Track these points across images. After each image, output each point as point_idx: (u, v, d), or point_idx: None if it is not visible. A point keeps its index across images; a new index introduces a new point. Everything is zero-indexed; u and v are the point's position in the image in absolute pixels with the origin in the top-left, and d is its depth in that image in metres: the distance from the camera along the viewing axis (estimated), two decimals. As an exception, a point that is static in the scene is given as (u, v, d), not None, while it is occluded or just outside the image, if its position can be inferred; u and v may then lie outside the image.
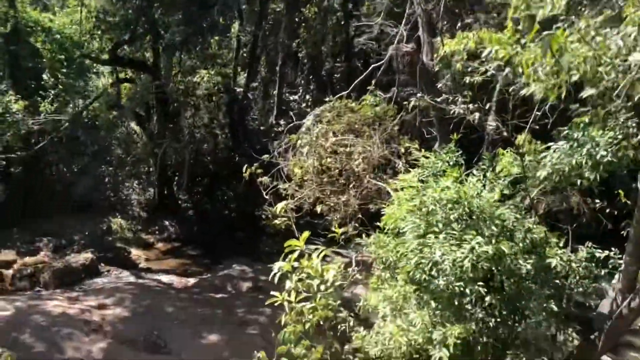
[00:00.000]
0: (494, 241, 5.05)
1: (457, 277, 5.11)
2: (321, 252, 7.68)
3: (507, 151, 6.33)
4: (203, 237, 19.65)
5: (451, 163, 6.34)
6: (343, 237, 7.85)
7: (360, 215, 8.04)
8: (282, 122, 19.91)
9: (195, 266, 17.85)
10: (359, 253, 7.74)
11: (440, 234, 5.22)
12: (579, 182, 5.17)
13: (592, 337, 5.66)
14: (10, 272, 15.44)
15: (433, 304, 5.19)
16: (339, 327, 7.24)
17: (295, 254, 7.70)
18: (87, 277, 15.35)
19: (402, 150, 7.82)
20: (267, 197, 9.30)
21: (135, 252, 17.97)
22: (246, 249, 18.79)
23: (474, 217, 5.42)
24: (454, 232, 5.29)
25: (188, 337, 11.68)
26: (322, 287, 7.44)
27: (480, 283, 5.04)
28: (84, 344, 11.01)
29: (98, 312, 12.61)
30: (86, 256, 15.64)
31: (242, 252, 18.51)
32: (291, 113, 19.12)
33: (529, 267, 5.06)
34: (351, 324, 7.44)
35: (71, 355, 10.57)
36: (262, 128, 21.52)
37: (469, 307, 5.28)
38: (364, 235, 6.85)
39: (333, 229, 8.36)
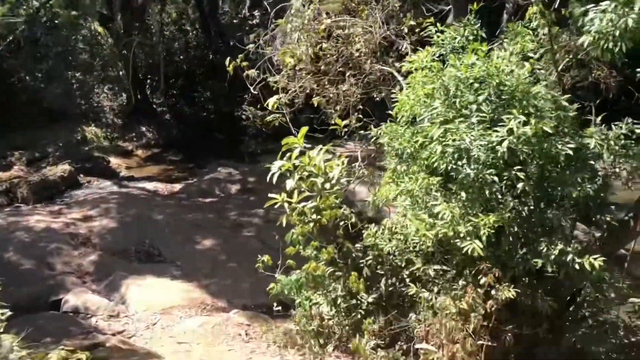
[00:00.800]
0: (532, 122, 4.49)
1: (489, 165, 4.59)
2: (323, 148, 7.09)
3: (532, 20, 5.62)
4: (183, 141, 18.91)
5: (471, 38, 5.62)
6: (346, 130, 7.25)
7: (362, 106, 7.39)
8: (256, 13, 18.56)
9: (179, 171, 17.26)
10: (363, 147, 7.18)
11: (471, 118, 4.64)
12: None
13: (626, 218, 5.32)
14: (-16, 189, 14.69)
15: (463, 195, 4.71)
16: (345, 225, 6.82)
17: (296, 152, 7.10)
18: (67, 190, 14.70)
19: (406, 29, 7.02)
20: (255, 92, 8.52)
21: (115, 161, 17.23)
22: (229, 152, 18.16)
23: (504, 97, 4.82)
24: (484, 114, 4.70)
25: (181, 244, 11.33)
26: (327, 186, 6.93)
27: (517, 168, 4.55)
28: (73, 258, 10.60)
29: (84, 224, 12.11)
30: (63, 168, 14.88)
31: (225, 155, 17.89)
32: (266, 3, 17.70)
33: (568, 150, 4.56)
34: (354, 221, 7.03)
35: (61, 270, 10.17)
36: (235, 22, 20.10)
37: (499, 196, 4.82)
38: (372, 126, 6.24)
39: (333, 122, 7.75)
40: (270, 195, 7.29)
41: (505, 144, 4.40)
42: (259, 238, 11.72)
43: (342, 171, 6.83)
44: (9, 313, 4.83)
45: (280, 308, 7.12)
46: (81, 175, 15.41)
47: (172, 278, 10.03)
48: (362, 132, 7.14)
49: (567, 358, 5.44)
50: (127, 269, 10.20)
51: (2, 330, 4.45)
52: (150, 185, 15.33)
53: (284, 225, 7.16)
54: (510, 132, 4.45)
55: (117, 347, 7.56)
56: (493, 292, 4.75)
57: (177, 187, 15.34)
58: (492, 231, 4.57)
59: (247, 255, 10.77)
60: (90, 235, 11.65)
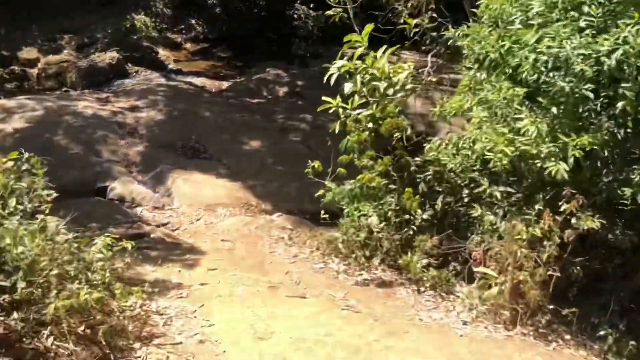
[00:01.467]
0: (650, 30, 3.83)
1: (588, 79, 4.00)
2: (389, 49, 6.50)
3: None
4: (232, 37, 18.20)
5: None
6: (416, 30, 6.61)
7: (436, 4, 6.67)
8: None
9: (227, 69, 16.77)
10: (435, 50, 6.55)
11: (579, 22, 3.99)
12: None
13: None
14: (35, 71, 14.60)
15: (554, 110, 4.16)
16: (404, 136, 6.37)
17: (359, 51, 6.55)
18: (115, 78, 14.46)
19: None
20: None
21: (163, 53, 16.82)
22: (278, 53, 17.48)
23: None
24: (591, 18, 4.04)
25: (228, 143, 11.09)
26: (390, 91, 6.42)
27: (624, 85, 3.95)
28: (120, 147, 10.51)
29: (131, 114, 11.95)
30: (112, 55, 14.58)
31: (275, 55, 17.23)
32: None
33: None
34: (410, 133, 6.57)
35: (108, 158, 10.12)
36: None
37: (592, 115, 4.26)
38: (450, 27, 5.59)
39: (402, 20, 7.09)
40: (324, 98, 6.85)
41: (616, 54, 3.77)
42: (306, 143, 11.39)
43: (408, 76, 6.28)
44: (55, 195, 4.65)
45: (327, 216, 6.86)
46: (129, 65, 15.11)
47: (218, 176, 9.88)
48: (434, 34, 6.49)
49: (637, 296, 5.06)
50: (173, 163, 10.07)
51: (47, 211, 4.28)
52: (198, 81, 14.97)
53: (336, 131, 6.78)
54: (625, 41, 3.81)
55: (161, 239, 7.53)
56: (573, 220, 4.31)
57: (225, 84, 14.94)
58: (582, 154, 4.05)
59: (293, 160, 10.53)
60: (137, 125, 11.51)
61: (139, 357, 4.09)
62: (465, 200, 6.24)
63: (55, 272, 3.70)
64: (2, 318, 3.19)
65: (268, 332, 4.80)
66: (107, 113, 11.74)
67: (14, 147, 9.94)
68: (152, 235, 7.55)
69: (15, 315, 3.33)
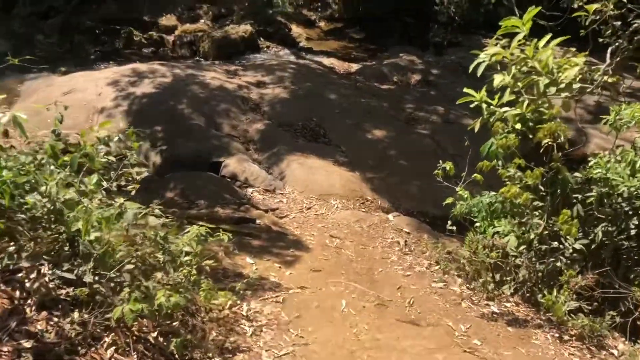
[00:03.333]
0: None
1: None
2: (555, 39, 5.32)
3: None
4: (368, 19, 17.44)
5: None
6: (596, 18, 5.36)
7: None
8: None
9: (359, 51, 16.05)
10: (616, 46, 5.27)
11: None
12: None
13: None
14: (171, 37, 14.83)
15: None
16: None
17: (519, 37, 5.42)
18: (246, 52, 14.31)
19: None
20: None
21: (296, 30, 16.45)
22: (414, 38, 16.44)
23: None
24: None
25: (350, 129, 10.35)
26: (552, 90, 5.24)
27: None
28: (240, 123, 10.16)
29: (256, 90, 11.61)
30: (245, 28, 14.40)
31: (410, 41, 16.25)
32: None
33: None
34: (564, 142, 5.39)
35: (227, 132, 9.80)
36: None
37: None
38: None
39: (576, 5, 5.84)
40: (466, 90, 5.83)
41: None
42: (434, 138, 10.36)
43: (577, 74, 5.07)
44: (145, 174, 4.12)
45: (454, 228, 5.88)
46: (261, 39, 14.88)
47: (335, 163, 9.19)
48: (618, 23, 5.21)
49: None
50: (291, 145, 9.53)
51: (133, 192, 3.74)
52: (327, 61, 14.39)
53: (475, 129, 5.73)
54: None
55: (267, 227, 6.96)
56: None
57: (355, 67, 14.23)
58: None
59: (419, 155, 9.57)
60: (260, 102, 11.13)
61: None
62: (632, 232, 5.00)
63: (130, 267, 3.13)
64: (56, 319, 2.65)
65: (369, 366, 3.99)
66: (233, 86, 11.48)
67: (139, 111, 10.05)
68: (258, 221, 7.01)
69: (74, 316, 2.79)
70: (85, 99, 10.62)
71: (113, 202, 3.26)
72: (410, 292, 5.59)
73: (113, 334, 2.89)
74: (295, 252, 6.33)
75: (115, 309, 2.89)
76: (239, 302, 4.74)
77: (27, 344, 2.40)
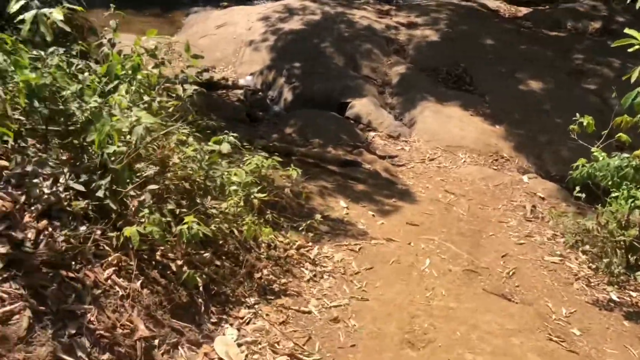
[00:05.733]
0: None
1: None
2: None
3: None
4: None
5: None
6: None
7: None
8: None
9: (535, -6, 14.26)
10: None
11: None
12: None
13: None
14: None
15: None
16: None
17: None
18: (405, -9, 13.47)
19: None
20: None
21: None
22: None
23: None
24: None
25: (500, 77, 9.24)
26: None
27: None
28: (380, 65, 9.62)
29: (405, 31, 10.89)
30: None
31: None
32: None
33: None
34: None
35: (365, 74, 9.33)
36: None
37: None
38: None
39: None
40: (626, 31, 4.66)
41: None
42: (602, 95, 8.85)
43: None
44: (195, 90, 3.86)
45: (583, 195, 4.90)
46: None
47: (474, 114, 8.30)
48: None
49: None
50: (429, 91, 8.79)
51: (171, 109, 3.52)
52: (493, 4, 13.02)
53: (632, 79, 4.60)
54: None
55: (376, 174, 6.50)
56: None
57: (524, 11, 12.69)
58: None
59: (578, 112, 8.23)
60: (406, 44, 10.43)
61: (239, 317, 3.21)
62: None
63: (153, 187, 2.95)
64: (51, 230, 2.56)
65: (425, 338, 3.44)
66: (381, 26, 10.88)
67: (282, 47, 9.98)
68: (368, 166, 6.58)
69: (82, 229, 2.69)
70: (235, 33, 10.84)
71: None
72: (516, 262, 4.82)
73: (118, 254, 2.75)
74: (397, 203, 5.82)
75: (125, 229, 2.74)
76: (310, 244, 4.44)
77: (2, 249, 2.33)
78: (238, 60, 10.05)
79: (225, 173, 3.58)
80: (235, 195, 3.56)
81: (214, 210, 3.39)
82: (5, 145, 2.79)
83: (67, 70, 3.02)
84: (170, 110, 3.74)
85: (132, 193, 2.92)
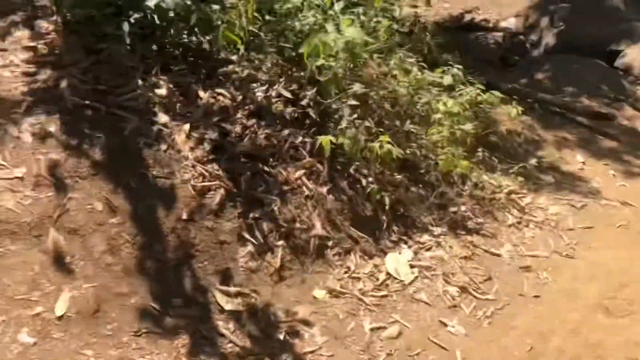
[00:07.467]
0: None
1: None
2: None
3: None
4: None
5: None
6: None
7: None
8: None
9: None
10: None
11: None
12: None
13: None
14: None
15: None
16: None
17: None
18: None
19: None
20: None
21: None
22: None
23: None
24: None
25: None
26: None
27: None
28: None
29: None
30: None
31: None
32: None
33: None
34: None
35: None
36: None
37: None
38: None
39: None
40: None
41: None
42: None
43: None
44: None
45: None
46: None
47: None
48: None
49: None
50: None
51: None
52: None
53: None
54: None
55: (633, 131, 5.63)
56: None
57: None
58: None
59: None
60: None
61: (419, 242, 3.21)
62: None
63: (353, 102, 3.08)
64: (255, 128, 2.89)
65: (627, 309, 2.99)
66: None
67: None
68: (624, 123, 5.73)
69: (285, 131, 2.98)
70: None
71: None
72: None
73: (312, 159, 2.99)
74: (651, 167, 5.00)
75: (321, 138, 2.95)
76: (525, 191, 4.14)
77: (212, 134, 2.73)
78: (503, 1, 9.48)
79: (434, 101, 3.52)
80: (439, 124, 3.50)
81: (412, 136, 3.40)
82: (236, 54, 3.21)
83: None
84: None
85: (334, 106, 3.11)
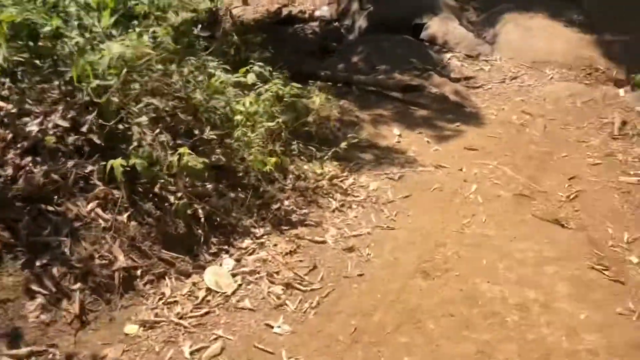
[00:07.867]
0: None
1: None
2: None
3: None
4: None
5: None
6: None
7: None
8: None
9: None
10: None
11: None
12: None
13: None
14: None
15: None
16: None
17: None
18: None
19: None
20: None
21: None
22: None
23: None
24: None
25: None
26: None
27: None
28: (464, -22, 8.79)
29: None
30: None
31: None
32: None
33: None
34: None
35: (448, -9, 8.59)
36: None
37: None
38: None
39: None
40: None
41: None
42: None
43: None
44: (177, 20, 3.72)
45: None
46: None
47: (567, 24, 7.39)
48: None
49: None
50: (520, 3, 7.89)
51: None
52: None
53: None
54: None
55: (443, 97, 6.03)
56: None
57: None
58: None
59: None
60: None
61: (241, 248, 3.16)
62: None
63: (142, 119, 2.92)
64: (32, 166, 2.63)
65: (443, 268, 3.17)
66: None
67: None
68: (435, 90, 6.10)
69: (69, 164, 2.74)
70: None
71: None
72: (585, 184, 4.28)
73: (104, 188, 2.79)
74: (460, 127, 5.39)
75: (111, 162, 2.76)
76: (345, 174, 4.25)
77: (-23, 184, 2.45)
78: (315, -9, 9.72)
79: (234, 102, 3.47)
80: (242, 125, 3.45)
81: (215, 142, 3.31)
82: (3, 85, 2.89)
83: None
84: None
85: (120, 126, 2.92)
